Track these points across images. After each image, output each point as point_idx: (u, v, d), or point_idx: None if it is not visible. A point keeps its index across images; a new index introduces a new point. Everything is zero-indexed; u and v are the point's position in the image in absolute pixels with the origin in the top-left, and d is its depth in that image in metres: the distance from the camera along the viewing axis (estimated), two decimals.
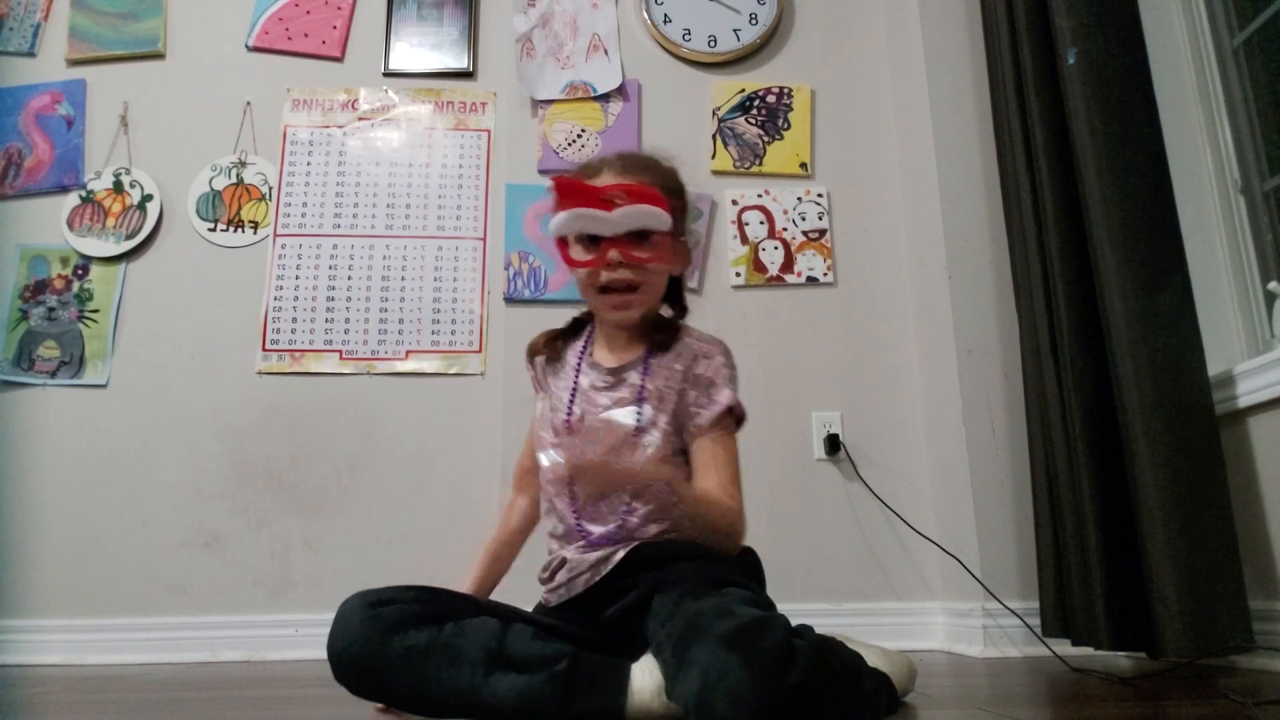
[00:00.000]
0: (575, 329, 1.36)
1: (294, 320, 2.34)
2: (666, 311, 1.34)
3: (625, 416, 1.21)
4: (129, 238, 2.37)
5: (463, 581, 1.33)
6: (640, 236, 1.20)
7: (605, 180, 1.23)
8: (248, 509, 2.22)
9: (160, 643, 2.10)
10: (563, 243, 1.24)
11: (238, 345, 2.32)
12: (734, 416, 1.24)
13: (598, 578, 1.15)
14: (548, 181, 1.28)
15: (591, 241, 1.21)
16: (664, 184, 1.25)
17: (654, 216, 1.19)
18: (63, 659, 2.06)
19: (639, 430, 1.20)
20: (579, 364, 1.30)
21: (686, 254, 1.31)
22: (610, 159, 1.27)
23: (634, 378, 1.25)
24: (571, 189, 1.20)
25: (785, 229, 2.42)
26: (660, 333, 1.28)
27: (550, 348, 1.33)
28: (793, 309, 2.37)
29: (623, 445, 1.06)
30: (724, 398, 1.22)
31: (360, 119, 2.50)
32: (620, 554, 1.15)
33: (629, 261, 1.20)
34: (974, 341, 2.15)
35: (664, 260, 1.24)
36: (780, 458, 2.24)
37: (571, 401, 1.26)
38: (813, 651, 0.85)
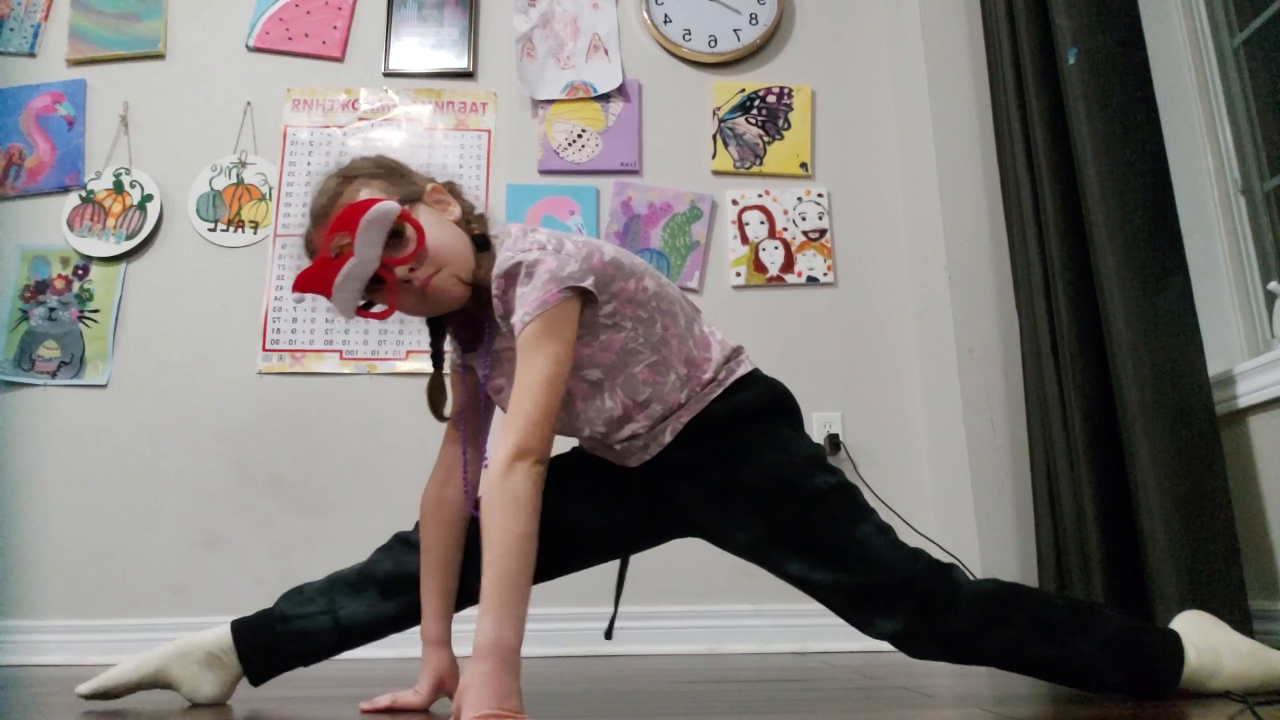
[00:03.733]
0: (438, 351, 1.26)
1: (294, 320, 2.34)
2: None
3: None
4: (129, 238, 2.37)
5: (424, 611, 1.23)
6: (395, 241, 1.11)
7: (322, 241, 1.14)
8: (249, 509, 2.22)
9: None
10: (363, 312, 1.17)
11: (238, 345, 2.32)
12: (535, 324, 1.05)
13: (647, 457, 1.19)
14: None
15: (375, 286, 1.14)
16: (364, 181, 1.17)
17: (377, 219, 1.09)
18: (63, 659, 2.06)
19: None
20: (463, 356, 1.25)
21: (448, 197, 1.21)
22: (313, 215, 1.18)
23: (498, 342, 1.17)
24: (314, 279, 1.12)
25: (785, 229, 2.42)
26: (474, 295, 1.16)
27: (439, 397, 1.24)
28: (793, 309, 2.37)
29: None
30: (515, 320, 1.07)
31: (360, 119, 2.50)
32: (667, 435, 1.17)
33: (408, 263, 1.11)
34: (974, 341, 2.14)
35: (426, 235, 1.12)
36: None
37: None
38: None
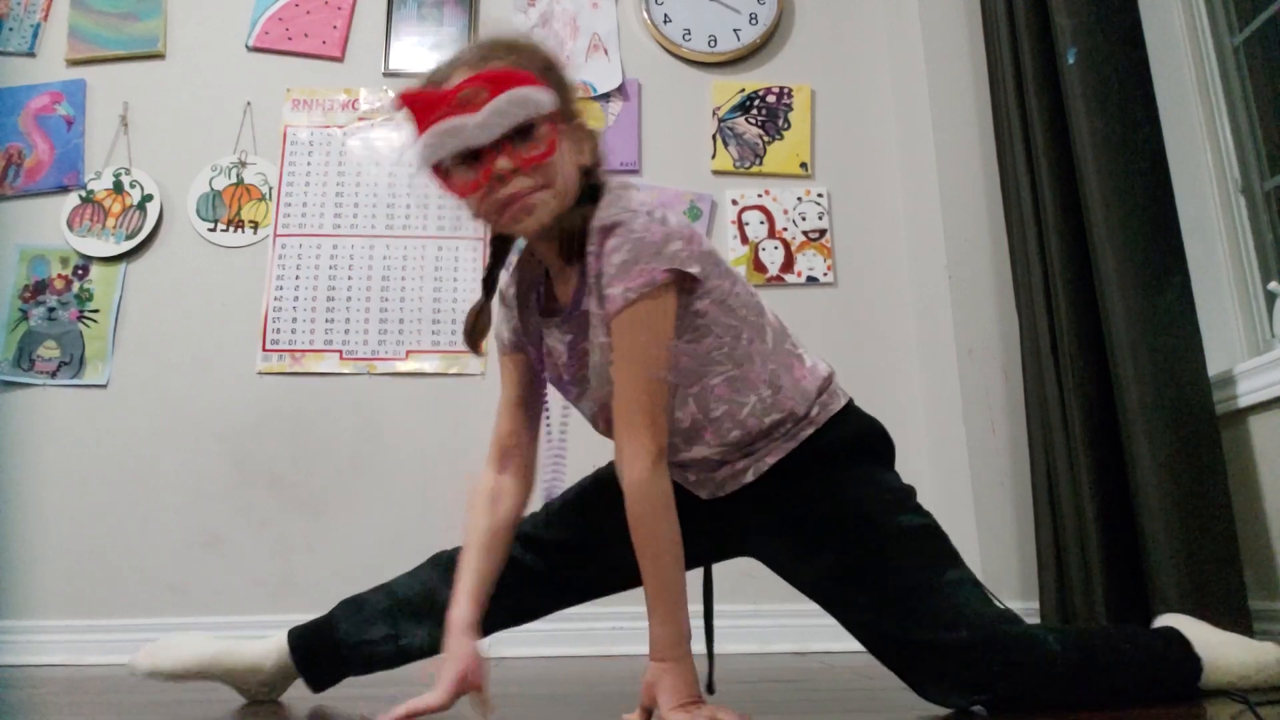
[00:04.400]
0: (495, 267, 1.14)
1: (294, 320, 2.34)
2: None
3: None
4: (129, 238, 2.37)
5: (457, 592, 1.10)
6: (523, 134, 0.98)
7: (459, 81, 0.98)
8: (248, 509, 2.22)
9: None
10: (440, 172, 1.01)
11: (238, 345, 2.32)
12: (636, 310, 0.97)
13: (722, 493, 1.13)
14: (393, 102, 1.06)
15: (471, 159, 0.98)
16: (531, 63, 1.02)
17: (527, 101, 0.97)
18: (63, 659, 2.06)
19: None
20: (539, 321, 1.14)
21: (590, 139, 1.08)
22: (458, 56, 1.03)
23: (588, 302, 1.04)
24: (422, 103, 0.98)
25: (785, 229, 2.42)
26: (571, 245, 1.04)
27: (509, 301, 1.13)
28: (793, 309, 2.35)
29: None
30: (612, 292, 0.98)
31: (360, 119, 2.50)
32: (749, 477, 1.10)
33: (521, 166, 0.98)
34: (974, 341, 2.14)
35: (560, 147, 1.01)
36: None
37: (541, 365, 1.14)
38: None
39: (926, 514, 1.12)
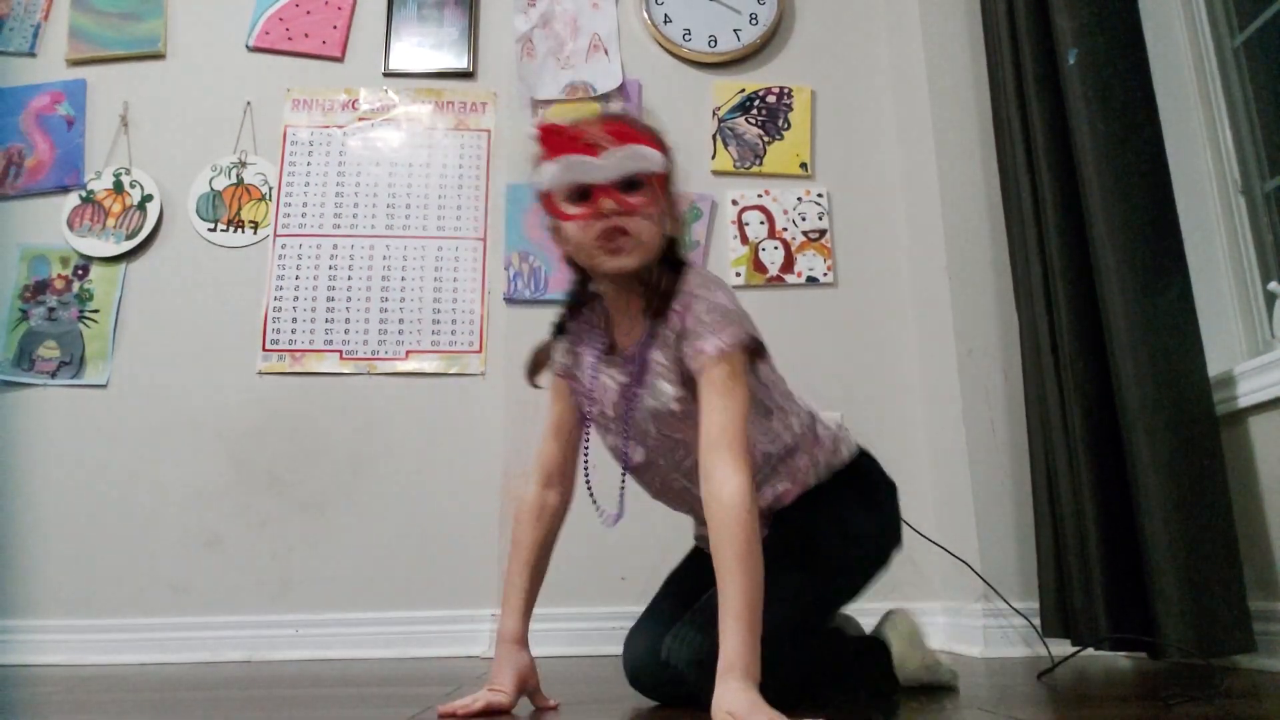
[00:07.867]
0: (575, 310, 1.29)
1: (294, 320, 2.34)
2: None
3: (662, 399, 1.18)
4: (129, 238, 2.37)
5: (506, 607, 1.24)
6: (632, 185, 1.15)
7: (591, 128, 1.16)
8: (248, 509, 2.22)
9: (161, 643, 2.10)
10: (550, 198, 1.17)
11: (238, 345, 2.32)
12: (727, 360, 1.12)
13: None
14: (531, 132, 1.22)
15: (581, 196, 1.15)
16: (651, 132, 1.21)
17: (644, 157, 1.15)
18: (63, 659, 2.06)
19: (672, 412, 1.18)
20: (596, 358, 1.25)
21: (679, 216, 1.25)
22: (590, 118, 1.21)
23: (652, 353, 1.19)
24: (557, 135, 1.15)
25: (785, 229, 2.42)
26: (657, 299, 1.19)
27: (572, 342, 1.28)
28: (793, 309, 2.37)
29: None
30: (705, 345, 1.12)
31: (360, 119, 2.50)
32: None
33: (623, 208, 1.14)
34: (974, 341, 2.14)
35: (657, 206, 1.17)
36: None
37: (586, 398, 1.26)
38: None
39: (870, 557, 1.28)
